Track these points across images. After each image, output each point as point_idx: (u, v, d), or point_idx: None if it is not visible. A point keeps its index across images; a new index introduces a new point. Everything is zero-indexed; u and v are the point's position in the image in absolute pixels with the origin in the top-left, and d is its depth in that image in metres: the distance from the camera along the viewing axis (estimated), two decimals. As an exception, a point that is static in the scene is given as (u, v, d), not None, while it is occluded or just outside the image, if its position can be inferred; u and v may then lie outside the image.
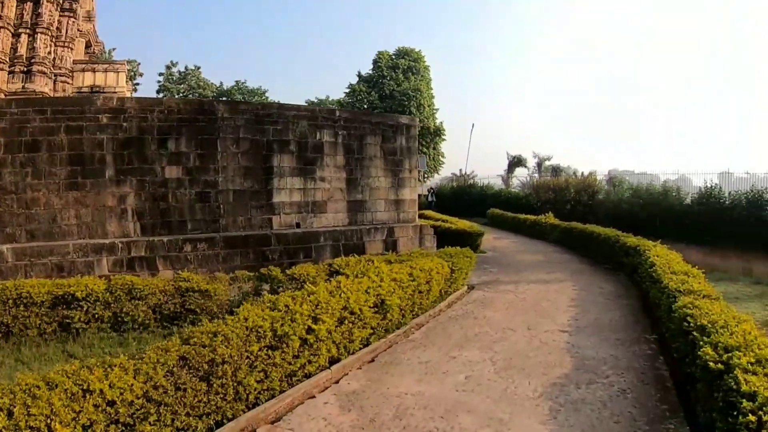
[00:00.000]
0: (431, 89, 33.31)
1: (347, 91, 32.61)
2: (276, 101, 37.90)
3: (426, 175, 33.42)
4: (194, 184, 8.48)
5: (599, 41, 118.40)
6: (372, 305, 4.51)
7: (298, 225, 9.27)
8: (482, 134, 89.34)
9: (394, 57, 32.81)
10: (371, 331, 4.56)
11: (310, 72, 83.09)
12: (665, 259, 6.56)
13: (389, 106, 31.09)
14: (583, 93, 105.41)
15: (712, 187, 14.68)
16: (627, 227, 14.72)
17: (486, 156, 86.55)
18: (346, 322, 4.10)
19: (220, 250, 8.12)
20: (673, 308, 4.22)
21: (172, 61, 39.80)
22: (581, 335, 5.27)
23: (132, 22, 65.73)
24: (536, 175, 28.92)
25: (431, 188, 26.68)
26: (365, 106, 31.96)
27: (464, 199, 25.32)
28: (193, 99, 10.08)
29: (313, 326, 3.70)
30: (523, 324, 5.76)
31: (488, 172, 38.25)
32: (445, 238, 12.15)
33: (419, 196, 28.61)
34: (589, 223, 13.75)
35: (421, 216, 18.46)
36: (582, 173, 21.07)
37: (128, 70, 38.05)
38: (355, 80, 33.31)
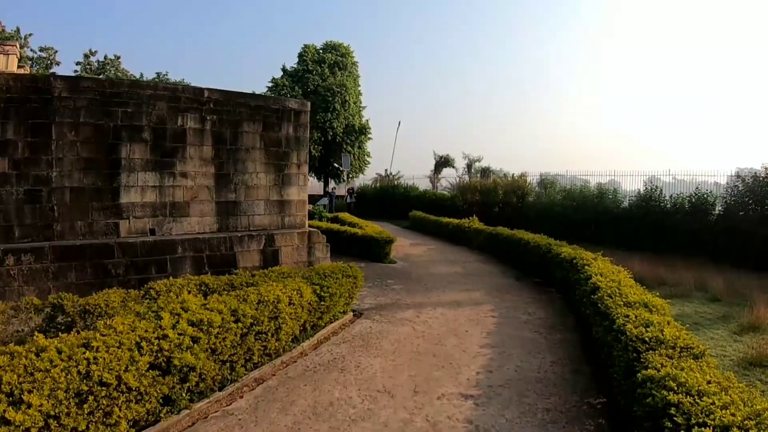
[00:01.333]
0: (359, 86, 35.61)
1: (270, 85, 33.84)
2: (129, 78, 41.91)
3: (351, 175, 34.45)
4: (23, 180, 7.85)
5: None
6: (149, 368, 3.65)
7: (153, 231, 8.41)
8: (413, 134, 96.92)
9: (321, 51, 34.85)
10: (150, 406, 3.68)
11: (241, 66, 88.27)
12: (612, 280, 6.01)
13: (313, 102, 31.21)
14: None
15: (652, 189, 16.08)
16: (560, 232, 14.13)
17: (416, 157, 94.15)
18: (92, 400, 3.22)
19: (50, 263, 7.58)
20: (642, 380, 3.35)
21: (90, 50, 39.84)
22: (493, 406, 4.39)
23: (57, 10, 64.23)
24: (466, 177, 30.86)
25: (351, 189, 26.98)
26: None
27: (387, 200, 26.69)
28: (26, 74, 9.54)
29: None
30: (410, 383, 4.89)
31: (417, 173, 40.61)
32: (351, 245, 12.11)
33: (337, 197, 31.20)
34: (519, 227, 13.90)
35: (335, 219, 17.68)
36: (513, 175, 22.06)
37: (45, 58, 36.78)
38: (279, 73, 34.69)
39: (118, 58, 42.33)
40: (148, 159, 8.70)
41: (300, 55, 35.27)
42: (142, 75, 43.65)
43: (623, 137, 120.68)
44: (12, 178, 7.93)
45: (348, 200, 26.15)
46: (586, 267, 7.02)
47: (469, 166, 34.37)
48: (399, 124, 35.92)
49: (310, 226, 13.69)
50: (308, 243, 9.53)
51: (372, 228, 13.10)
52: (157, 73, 44.35)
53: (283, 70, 35.48)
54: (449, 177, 33.44)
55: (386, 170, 36.11)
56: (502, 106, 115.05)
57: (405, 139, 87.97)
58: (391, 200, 26.70)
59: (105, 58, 42.02)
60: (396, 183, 30.50)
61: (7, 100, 7.89)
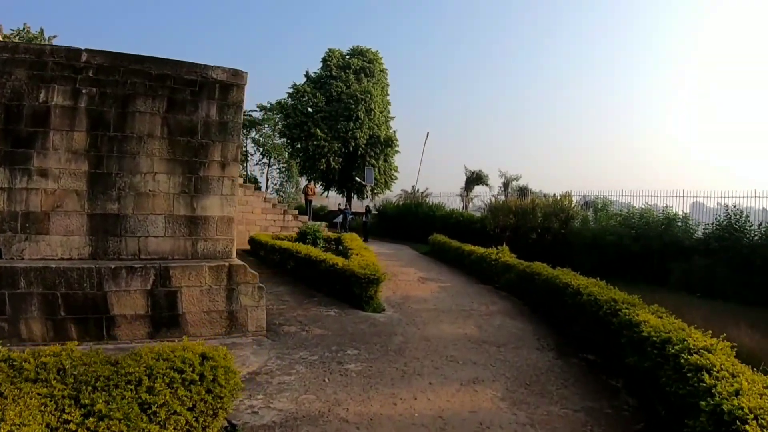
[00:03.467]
0: (387, 95, 33.43)
1: (290, 91, 32.40)
2: None
3: (375, 191, 32.47)
4: None
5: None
6: None
7: (0, 252, 6.03)
8: (444, 148, 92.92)
9: (346, 56, 33.09)
10: None
11: (267, 72, 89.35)
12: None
13: (335, 110, 30.56)
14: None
15: (736, 214, 12.85)
16: (613, 266, 12.31)
17: (446, 173, 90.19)
18: None
19: None
20: None
21: (25, 24, 40.53)
22: None
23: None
24: (502, 196, 27.18)
25: (368, 206, 24.68)
26: (309, 110, 31.28)
27: (409, 220, 23.72)
28: None
29: None
30: None
31: (447, 190, 37.10)
32: (328, 281, 9.48)
33: (353, 215, 27.40)
34: (562, 258, 11.51)
35: (335, 242, 15.17)
36: (554, 195, 18.62)
37: None
38: (302, 79, 33.30)
39: (53, 37, 42.05)
40: None
41: (324, 60, 33.56)
42: None
43: (681, 150, 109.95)
44: None
45: (363, 219, 23.49)
46: (705, 374, 3.63)
47: (505, 185, 31.17)
48: (427, 136, 33.25)
49: (291, 250, 10.90)
50: (228, 284, 6.50)
51: (361, 258, 9.95)
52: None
53: (306, 75, 33.87)
54: (483, 196, 29.97)
55: (413, 186, 33.10)
56: (549, 123, 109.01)
57: (435, 153, 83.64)
58: (413, 220, 23.72)
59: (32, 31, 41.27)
60: (421, 201, 27.25)
61: None
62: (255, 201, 19.07)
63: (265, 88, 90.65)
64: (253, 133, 50.10)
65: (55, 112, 6.23)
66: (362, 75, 32.63)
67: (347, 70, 32.48)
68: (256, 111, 46.58)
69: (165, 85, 6.58)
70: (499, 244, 13.36)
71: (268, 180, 51.78)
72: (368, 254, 10.85)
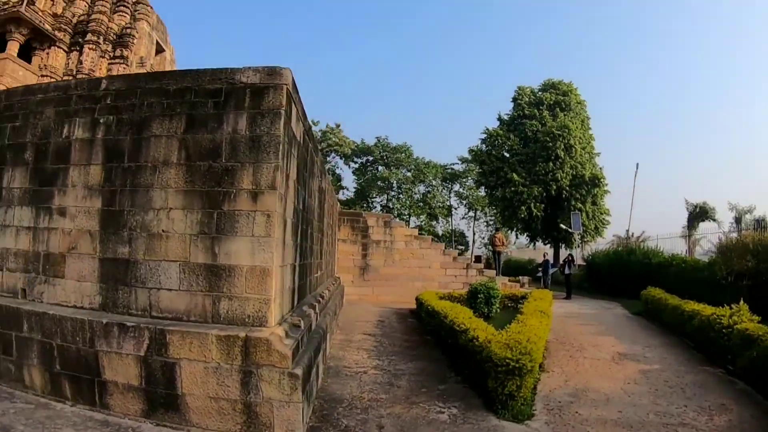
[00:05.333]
0: (588, 129, 29.83)
1: (483, 137, 31.25)
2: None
3: (585, 239, 28.41)
4: None
5: None
6: None
7: (24, 293, 5.71)
8: (660, 181, 78.00)
9: (538, 92, 30.78)
10: None
11: (461, 124, 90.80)
12: None
13: (532, 151, 28.09)
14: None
15: None
16: None
17: (664, 211, 73.98)
18: None
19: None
20: None
21: (312, 120, 45.75)
22: None
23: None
24: (734, 234, 20.96)
25: (569, 257, 20.94)
26: (505, 154, 29.47)
27: (620, 271, 19.36)
28: None
29: None
30: None
31: (666, 231, 30.92)
32: (466, 363, 7.06)
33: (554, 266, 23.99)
34: None
35: (518, 300, 13.16)
36: None
37: None
38: (494, 123, 32.04)
39: (338, 126, 47.47)
40: (26, 188, 5.79)
41: (514, 99, 31.54)
42: (362, 140, 47.90)
43: None
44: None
45: (565, 271, 19.84)
46: None
47: (737, 219, 25.90)
48: (637, 168, 27.41)
49: (441, 313, 8.94)
50: (243, 363, 4.72)
51: (521, 327, 7.13)
52: (377, 137, 48.38)
53: (499, 118, 32.26)
54: (710, 233, 23.30)
55: (627, 230, 27.69)
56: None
57: (647, 188, 72.36)
58: (624, 270, 19.23)
59: (327, 126, 46.85)
60: (633, 246, 21.99)
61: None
62: (433, 254, 17.62)
63: (467, 139, 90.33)
64: (456, 186, 49.97)
65: (75, 147, 5.62)
66: (557, 110, 29.69)
67: (540, 107, 29.93)
68: (457, 163, 46.26)
69: (184, 101, 5.35)
70: (734, 299, 8.85)
71: (474, 234, 50.40)
72: (534, 321, 7.85)
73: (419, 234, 18.74)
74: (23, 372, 5.37)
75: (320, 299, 8.37)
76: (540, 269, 22.53)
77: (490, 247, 22.77)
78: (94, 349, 4.99)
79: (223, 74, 5.37)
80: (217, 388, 4.71)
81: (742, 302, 8.24)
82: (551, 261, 23.67)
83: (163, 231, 5.21)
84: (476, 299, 11.92)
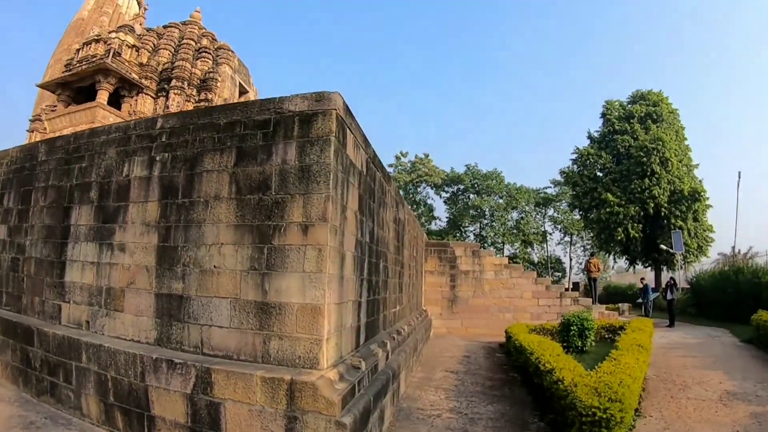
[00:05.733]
0: (684, 139, 28.00)
1: (573, 157, 30.20)
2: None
3: (688, 259, 26.46)
4: (11, 247, 7.39)
5: None
6: None
7: (88, 325, 5.93)
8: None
9: (627, 105, 29.42)
10: None
11: (552, 145, 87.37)
12: None
13: (625, 168, 26.75)
14: None
15: None
16: None
17: None
18: None
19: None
20: None
21: (401, 152, 48.43)
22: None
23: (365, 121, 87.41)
24: None
25: (671, 279, 19.34)
26: (597, 173, 28.39)
27: (728, 293, 17.52)
28: (30, 144, 9.36)
29: None
30: None
31: None
32: (552, 408, 6.30)
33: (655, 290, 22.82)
34: None
35: (620, 329, 12.32)
36: None
37: None
38: (585, 142, 30.90)
39: (428, 155, 48.28)
40: (91, 225, 6.04)
41: (603, 115, 30.24)
42: (452, 169, 47.64)
43: None
44: (6, 245, 7.68)
45: (667, 296, 18.24)
46: None
47: None
48: (739, 177, 24.91)
49: (527, 350, 8.36)
50: (288, 408, 4.41)
51: (615, 365, 6.40)
52: (467, 165, 47.81)
53: (589, 136, 31.00)
54: None
55: (732, 247, 25.87)
56: None
57: (753, 198, 63.67)
58: (732, 293, 17.38)
59: (416, 157, 47.81)
60: (741, 265, 19.78)
61: (15, 171, 7.90)
62: (524, 283, 16.87)
63: (559, 161, 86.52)
64: (550, 211, 48.27)
65: (134, 185, 5.76)
66: (649, 122, 27.86)
67: (631, 120, 28.30)
68: (549, 187, 44.70)
69: (234, 134, 5.27)
70: None
71: (571, 260, 48.08)
72: (629, 359, 7.01)
73: (512, 262, 17.98)
74: (81, 400, 5.51)
75: (396, 335, 8.03)
76: (640, 295, 21.03)
77: (585, 273, 21.33)
78: (144, 384, 4.97)
79: (271, 104, 5.24)
80: (262, 432, 4.44)
81: None
82: (651, 285, 21.94)
83: (215, 267, 5.11)
84: (569, 332, 11.10)
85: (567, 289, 21.43)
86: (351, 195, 5.54)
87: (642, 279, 23.98)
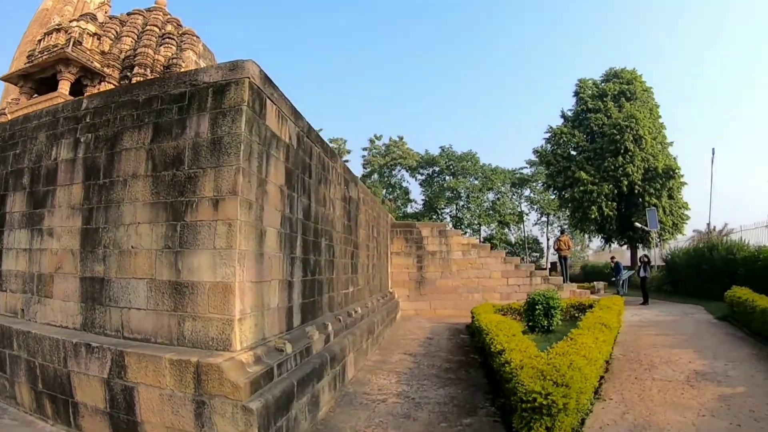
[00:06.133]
0: (658, 117, 27.91)
1: (547, 136, 30.08)
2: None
3: (663, 237, 26.47)
4: None
5: None
6: None
7: (23, 312, 5.82)
8: (741, 166, 70.38)
9: (600, 83, 29.33)
10: None
11: (528, 125, 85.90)
12: None
13: (599, 146, 26.72)
14: None
15: None
16: None
17: (750, 199, 63.73)
18: None
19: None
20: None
21: (375, 135, 49.43)
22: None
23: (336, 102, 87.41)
24: None
25: (644, 257, 19.00)
26: (571, 152, 28.34)
27: (703, 270, 17.17)
28: None
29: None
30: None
31: (751, 221, 26.08)
32: (503, 392, 6.07)
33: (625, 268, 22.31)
34: None
35: (589, 307, 12.36)
36: None
37: (336, 148, 48.34)
38: (559, 121, 30.84)
39: (402, 138, 48.86)
40: (24, 212, 6.00)
41: (576, 93, 30.09)
42: (427, 151, 47.98)
43: None
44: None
45: (641, 274, 17.74)
46: None
47: None
48: (713, 154, 24.83)
49: (484, 330, 8.12)
50: (196, 393, 4.20)
51: (571, 345, 6.02)
52: (441, 147, 48.13)
53: (562, 115, 30.76)
54: None
55: (707, 224, 25.43)
56: None
57: (728, 175, 66.99)
58: (707, 269, 17.09)
59: (390, 140, 48.27)
60: (715, 241, 19.31)
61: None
62: (492, 263, 16.55)
63: (535, 141, 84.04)
64: (527, 191, 48.22)
65: (61, 168, 5.69)
66: (622, 100, 27.70)
67: (604, 99, 28.22)
68: (525, 167, 43.94)
69: (152, 110, 5.11)
70: None
71: (548, 240, 47.41)
72: (587, 339, 6.52)
73: (486, 243, 17.61)
74: (15, 389, 5.44)
75: (345, 317, 7.73)
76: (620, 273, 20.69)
77: (555, 251, 20.81)
78: (67, 369, 4.86)
79: (187, 77, 5.06)
80: (173, 417, 4.27)
81: None
82: (623, 263, 21.70)
83: (132, 247, 4.96)
84: (534, 311, 10.71)
85: (546, 270, 21.00)
86: (274, 168, 5.29)
87: (612, 257, 23.72)
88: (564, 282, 16.93)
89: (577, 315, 12.07)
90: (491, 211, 46.86)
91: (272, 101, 5.27)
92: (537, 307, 10.63)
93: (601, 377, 6.70)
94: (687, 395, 5.90)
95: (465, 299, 16.04)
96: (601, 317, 8.36)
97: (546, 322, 10.65)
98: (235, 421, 4.06)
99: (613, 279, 20.77)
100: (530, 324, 10.81)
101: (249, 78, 4.81)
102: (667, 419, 5.11)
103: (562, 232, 24.02)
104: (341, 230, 8.46)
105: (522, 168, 46.42)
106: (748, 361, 7.40)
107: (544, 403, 4.32)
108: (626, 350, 8.60)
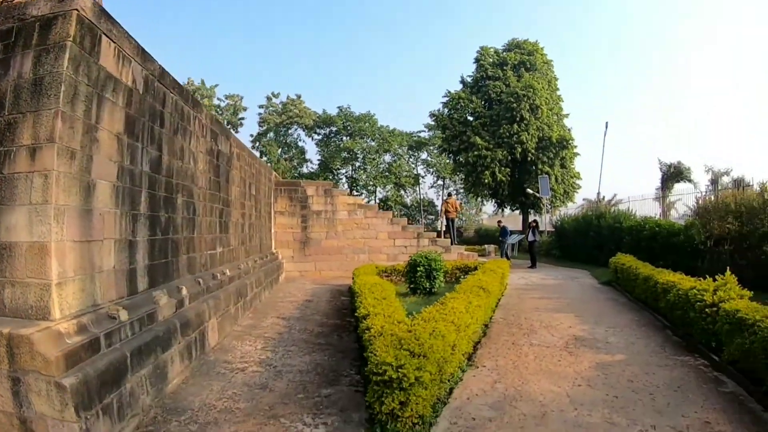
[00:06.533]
0: (556, 90, 29.04)
1: (445, 100, 30.19)
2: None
3: (555, 205, 27.98)
4: None
5: None
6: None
7: None
8: (633, 143, 76.38)
9: (501, 52, 29.84)
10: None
11: (431, 90, 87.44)
12: None
13: (495, 113, 27.24)
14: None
15: None
16: None
17: (639, 173, 71.14)
18: None
19: None
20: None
21: (273, 93, 47.76)
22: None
23: (237, 57, 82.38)
24: (713, 197, 19.43)
25: (533, 222, 20.07)
26: (468, 117, 28.80)
27: (591, 236, 18.38)
28: None
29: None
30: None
31: (639, 193, 29.97)
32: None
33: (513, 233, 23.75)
34: None
35: (474, 270, 12.41)
36: None
37: (232, 105, 45.88)
38: (458, 86, 31.13)
39: (299, 97, 47.68)
40: None
41: (477, 60, 30.32)
42: (324, 111, 47.40)
43: None
44: None
45: (529, 238, 18.83)
46: None
47: (713, 181, 24.26)
48: (606, 127, 26.85)
49: (357, 294, 7.86)
50: (10, 369, 3.66)
51: (440, 310, 5.88)
52: (339, 107, 47.58)
53: (462, 81, 31.06)
54: (686, 194, 21.74)
55: (597, 193, 27.01)
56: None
57: (621, 150, 71.40)
58: (594, 236, 18.31)
59: (287, 98, 46.92)
60: (603, 210, 20.82)
61: None
62: (379, 224, 16.48)
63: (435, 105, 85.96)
64: (424, 155, 49.23)
65: None
66: (522, 70, 28.55)
67: (504, 67, 28.86)
68: (424, 131, 44.93)
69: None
70: (714, 266, 8.45)
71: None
72: (458, 304, 6.35)
73: (372, 203, 17.60)
74: None
75: (209, 280, 7.29)
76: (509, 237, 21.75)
77: (443, 213, 21.51)
78: None
79: (16, 10, 4.32)
80: (-21, 397, 3.68)
81: (728, 273, 6.79)
82: (510, 228, 22.61)
83: None
84: (416, 273, 10.85)
85: (440, 232, 21.85)
86: (109, 114, 4.70)
87: (499, 222, 24.99)
88: (452, 244, 17.33)
89: (462, 277, 12.46)
90: (387, 173, 47.13)
91: (110, 38, 4.64)
92: (419, 268, 10.77)
93: (477, 343, 6.83)
94: (564, 362, 6.06)
95: (351, 260, 16.02)
96: (481, 280, 8.56)
97: (428, 284, 10.82)
98: (50, 400, 3.62)
99: (505, 242, 21.58)
100: (412, 286, 10.95)
101: (78, 10, 4.17)
102: (540, 389, 5.16)
103: (450, 194, 24.74)
104: (206, 186, 7.88)
105: (420, 131, 47.00)
106: (629, 327, 7.81)
107: (394, 376, 3.94)
108: (508, 314, 8.87)
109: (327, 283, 13.90)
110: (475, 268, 12.11)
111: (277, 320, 8.87)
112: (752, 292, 6.31)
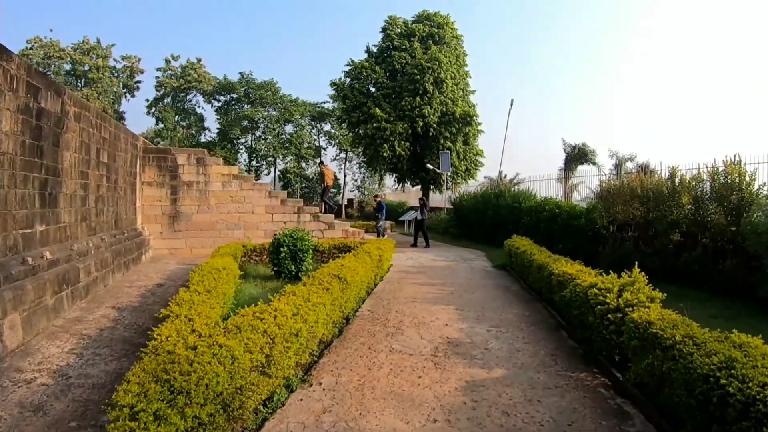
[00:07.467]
0: (464, 66, 28.37)
1: (347, 69, 28.65)
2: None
3: (455, 180, 27.54)
4: None
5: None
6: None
7: None
8: (539, 124, 78.84)
9: (410, 23, 28.58)
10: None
11: (328, 55, 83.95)
12: None
13: (398, 85, 26.05)
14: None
15: None
16: None
17: (545, 155, 74.01)
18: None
19: None
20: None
21: (172, 55, 43.59)
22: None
23: (135, 18, 71.17)
24: (618, 181, 20.11)
25: (421, 199, 19.04)
26: (370, 88, 27.49)
27: (488, 215, 17.86)
28: None
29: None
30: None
31: (543, 173, 29.40)
32: None
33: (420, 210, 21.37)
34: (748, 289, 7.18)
35: (352, 250, 10.33)
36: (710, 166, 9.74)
37: (128, 66, 40.62)
38: (363, 56, 29.46)
39: (200, 61, 44.19)
40: None
41: (384, 30, 28.80)
42: (225, 77, 44.36)
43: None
44: None
45: (418, 216, 17.89)
46: None
47: (618, 166, 24.03)
48: (511, 104, 26.28)
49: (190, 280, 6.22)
50: None
51: (265, 319, 4.13)
52: (240, 73, 44.70)
53: (367, 50, 29.43)
54: (589, 176, 22.27)
55: (500, 172, 26.79)
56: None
57: (526, 131, 73.31)
58: (493, 214, 17.75)
59: (187, 61, 43.35)
60: (503, 189, 20.35)
61: None
62: (256, 197, 14.79)
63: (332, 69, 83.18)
64: (327, 126, 47.52)
65: None
66: (430, 42, 27.49)
67: (411, 39, 27.68)
68: (328, 102, 42.72)
69: None
70: (618, 254, 8.16)
71: (346, 176, 47.91)
72: (284, 304, 4.68)
73: (250, 174, 15.60)
74: None
75: (10, 266, 5.84)
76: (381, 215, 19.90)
77: (320, 183, 19.94)
78: None
79: None
80: None
81: (636, 269, 5.56)
82: (383, 202, 21.06)
83: None
84: (279, 254, 9.35)
85: (342, 206, 20.27)
86: None
87: (376, 196, 24.26)
88: (323, 212, 16.13)
89: (339, 257, 11.05)
90: (288, 144, 45.17)
91: None
92: (282, 249, 9.18)
93: (328, 345, 5.57)
94: (426, 380, 4.68)
95: (225, 236, 14.26)
96: (343, 267, 6.89)
97: (293, 267, 9.41)
98: None
99: (401, 219, 20.43)
100: (276, 269, 9.46)
101: None
102: (381, 426, 3.70)
103: (322, 162, 23.36)
104: (13, 151, 6.32)
105: (324, 102, 44.76)
106: (516, 327, 6.67)
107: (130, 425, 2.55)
108: (378, 304, 7.64)
109: (194, 262, 11.79)
110: (354, 248, 10.70)
111: (110, 311, 7.21)
112: (664, 295, 5.26)
